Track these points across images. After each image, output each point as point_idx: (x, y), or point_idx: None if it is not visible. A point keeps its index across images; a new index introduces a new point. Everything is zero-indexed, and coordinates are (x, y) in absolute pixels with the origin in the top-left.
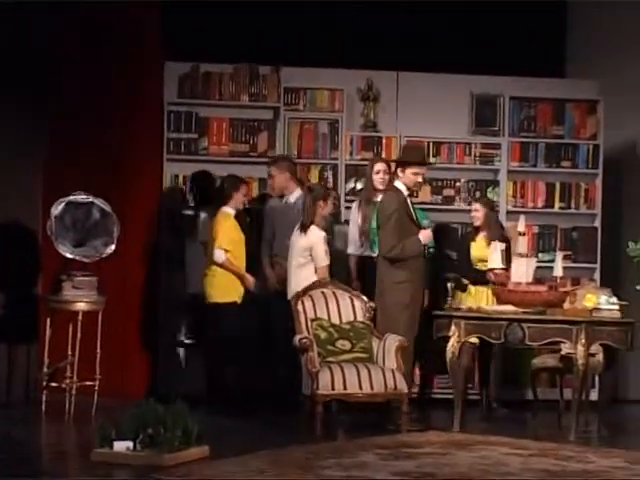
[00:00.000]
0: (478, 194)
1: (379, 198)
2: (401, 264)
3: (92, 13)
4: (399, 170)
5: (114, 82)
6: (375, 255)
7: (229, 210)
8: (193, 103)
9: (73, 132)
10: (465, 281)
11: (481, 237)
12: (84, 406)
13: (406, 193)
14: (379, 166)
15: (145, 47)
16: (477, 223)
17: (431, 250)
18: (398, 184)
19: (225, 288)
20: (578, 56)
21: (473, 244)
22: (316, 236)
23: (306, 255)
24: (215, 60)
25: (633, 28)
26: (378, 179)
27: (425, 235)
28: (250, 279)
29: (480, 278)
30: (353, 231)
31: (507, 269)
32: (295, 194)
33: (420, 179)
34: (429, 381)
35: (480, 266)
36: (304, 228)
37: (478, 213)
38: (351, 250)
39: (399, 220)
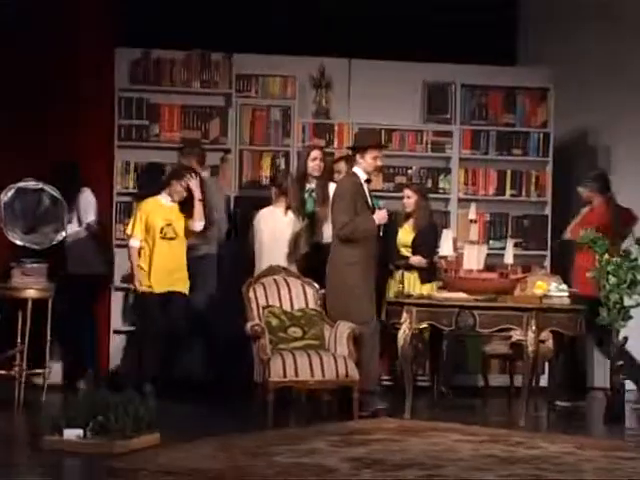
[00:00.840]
0: (430, 182)
1: (313, 185)
2: (354, 245)
3: None
4: (358, 156)
5: (65, 67)
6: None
7: (159, 198)
8: (144, 89)
9: (22, 119)
10: (391, 266)
11: (409, 223)
12: (34, 394)
13: (364, 179)
14: (315, 153)
15: (96, 32)
16: (408, 209)
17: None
18: (357, 170)
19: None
20: (529, 44)
21: (400, 230)
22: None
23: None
24: (167, 46)
25: (584, 16)
26: (314, 166)
27: (380, 215)
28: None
29: (404, 264)
30: None
31: (443, 257)
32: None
33: (380, 162)
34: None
35: (404, 251)
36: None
37: (410, 200)
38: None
39: (352, 200)
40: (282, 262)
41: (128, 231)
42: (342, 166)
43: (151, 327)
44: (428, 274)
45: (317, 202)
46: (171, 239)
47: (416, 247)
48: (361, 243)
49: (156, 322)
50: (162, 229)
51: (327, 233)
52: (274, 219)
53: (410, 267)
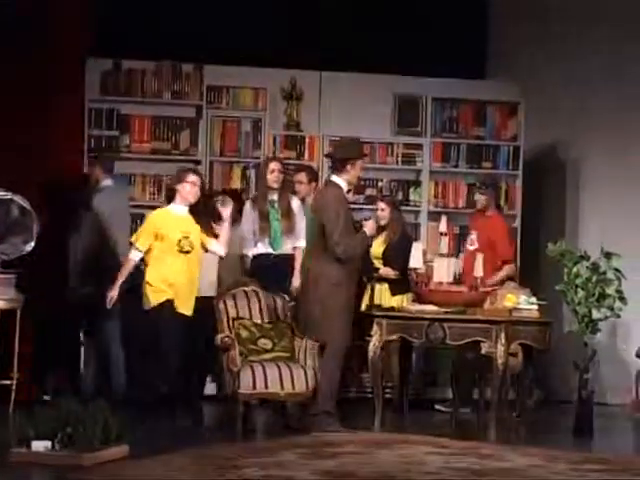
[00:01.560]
0: (400, 194)
1: (274, 197)
2: (342, 264)
3: (11, 6)
4: (348, 166)
5: (33, 78)
6: (274, 252)
7: (170, 209)
8: (115, 100)
9: None
10: (364, 279)
11: (382, 235)
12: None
13: (345, 189)
14: (274, 165)
15: (66, 43)
16: (382, 222)
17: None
18: (337, 180)
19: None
20: (499, 58)
21: (374, 242)
22: None
23: None
24: (138, 57)
25: (553, 31)
26: (273, 178)
27: (370, 226)
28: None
29: (375, 276)
30: (248, 230)
31: (414, 269)
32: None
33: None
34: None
35: (376, 263)
36: None
37: (383, 212)
38: (247, 251)
39: (346, 217)
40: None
41: (133, 240)
42: (303, 177)
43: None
44: (399, 286)
45: (280, 214)
46: (187, 252)
47: (386, 259)
48: (349, 262)
49: (175, 338)
50: (180, 241)
51: (287, 246)
52: None
53: (381, 279)
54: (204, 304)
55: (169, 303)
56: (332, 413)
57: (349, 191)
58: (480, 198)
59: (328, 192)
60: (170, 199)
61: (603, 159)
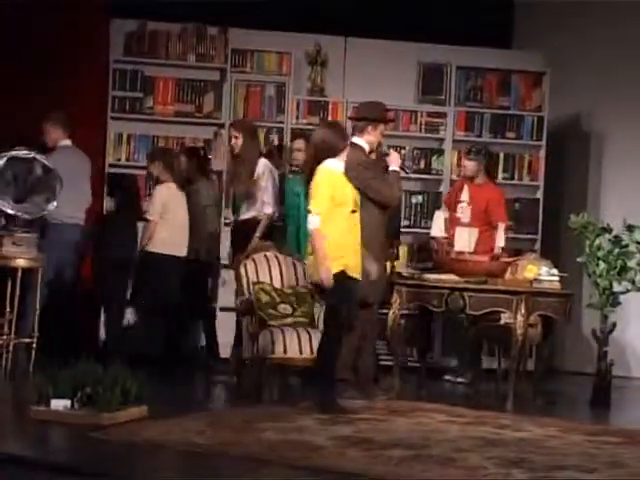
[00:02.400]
0: (423, 162)
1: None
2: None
3: None
4: (370, 127)
5: (59, 37)
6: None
7: (332, 165)
8: (139, 62)
9: (15, 86)
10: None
11: None
12: (23, 363)
13: (367, 151)
14: (231, 132)
15: (92, 3)
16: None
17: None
18: (359, 141)
19: None
20: (525, 28)
21: None
22: None
23: None
24: (163, 19)
25: (579, 2)
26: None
27: (394, 159)
28: None
29: None
30: (272, 192)
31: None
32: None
33: (381, 138)
34: None
35: None
36: None
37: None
38: (268, 210)
39: (375, 171)
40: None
41: (311, 207)
42: (301, 144)
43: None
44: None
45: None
46: (354, 212)
47: None
48: (381, 216)
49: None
50: (355, 202)
51: (247, 212)
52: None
53: None
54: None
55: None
56: (349, 380)
57: (370, 152)
58: (468, 164)
59: (349, 155)
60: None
61: (627, 131)
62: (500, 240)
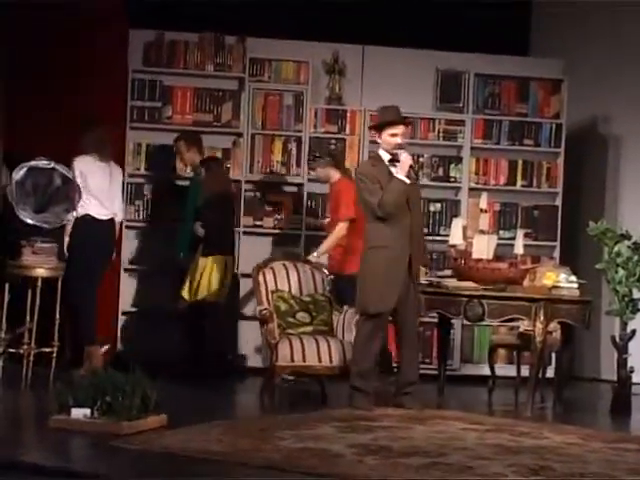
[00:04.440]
0: (441, 170)
1: None
2: (383, 225)
3: None
4: (377, 136)
5: (77, 48)
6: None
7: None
8: (158, 71)
9: (36, 97)
10: None
11: None
12: (42, 373)
13: (387, 159)
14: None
15: (111, 14)
16: None
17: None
18: (380, 152)
19: None
20: (543, 35)
21: None
22: None
23: None
24: (181, 29)
25: (597, 7)
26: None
27: (402, 163)
28: None
29: None
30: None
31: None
32: None
33: (399, 140)
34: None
35: None
36: None
37: None
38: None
39: (373, 182)
40: None
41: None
42: (182, 145)
43: None
44: None
45: None
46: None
47: None
48: (392, 222)
49: None
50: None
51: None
52: None
53: None
54: None
55: None
56: (360, 389)
57: (395, 160)
58: (318, 173)
59: (359, 166)
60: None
61: None
62: (518, 247)
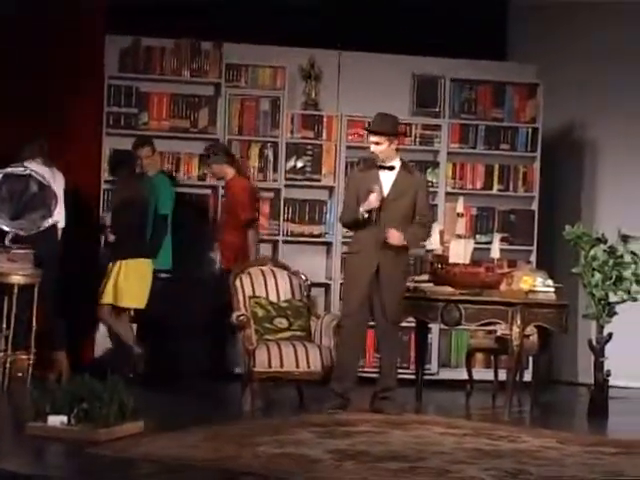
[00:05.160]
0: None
1: None
2: (354, 232)
3: None
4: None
5: (54, 54)
6: None
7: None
8: (134, 77)
9: (9, 101)
10: None
11: None
12: (19, 379)
13: (375, 162)
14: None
15: (86, 19)
16: None
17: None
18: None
19: None
20: (518, 40)
21: None
22: None
23: None
24: (157, 35)
25: (572, 13)
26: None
27: (367, 202)
28: None
29: None
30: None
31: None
32: None
33: (371, 148)
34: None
35: None
36: None
37: None
38: None
39: (352, 191)
40: None
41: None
42: (147, 152)
43: None
44: None
45: None
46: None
47: None
48: (359, 231)
49: None
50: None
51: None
52: None
53: None
54: None
55: None
56: (337, 393)
57: (389, 167)
58: (213, 170)
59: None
60: None
61: (621, 141)
62: (495, 251)
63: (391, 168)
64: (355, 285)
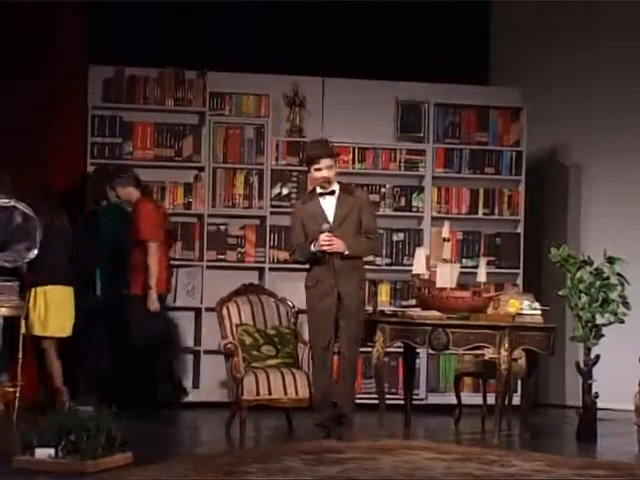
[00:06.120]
0: (403, 200)
1: None
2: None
3: (13, 13)
4: (308, 172)
5: (37, 85)
6: None
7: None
8: (118, 107)
9: None
10: None
11: None
12: (5, 412)
13: (319, 192)
14: None
15: (69, 49)
16: None
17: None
18: (317, 187)
19: None
20: (501, 63)
21: None
22: None
23: None
24: (140, 64)
25: (555, 36)
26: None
27: (318, 243)
28: None
29: None
30: None
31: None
32: None
33: (324, 173)
34: None
35: None
36: None
37: None
38: None
39: (298, 224)
40: None
41: None
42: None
43: None
44: None
45: None
46: None
47: None
48: (313, 266)
49: None
50: None
51: None
52: None
53: None
54: None
55: None
56: (322, 425)
57: (330, 193)
58: (119, 192)
59: (297, 201)
60: None
61: (606, 164)
62: (481, 275)
63: (332, 193)
64: (320, 317)
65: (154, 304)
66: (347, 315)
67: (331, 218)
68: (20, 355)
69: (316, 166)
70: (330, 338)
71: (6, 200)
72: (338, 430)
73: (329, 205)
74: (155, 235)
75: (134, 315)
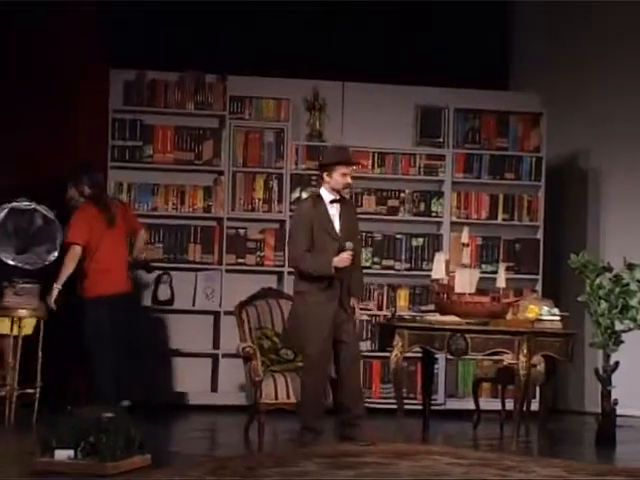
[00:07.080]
0: (423, 205)
1: None
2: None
3: (35, 17)
4: (325, 174)
5: (59, 88)
6: None
7: None
8: (138, 110)
9: (15, 138)
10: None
11: None
12: (25, 414)
13: (329, 199)
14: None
15: (91, 53)
16: None
17: None
18: (322, 190)
19: None
20: (521, 69)
21: None
22: None
23: None
24: (161, 68)
25: (575, 42)
26: None
27: (342, 259)
28: None
29: None
30: None
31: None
32: None
33: (349, 180)
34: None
35: None
36: None
37: None
38: None
39: (305, 228)
40: None
41: None
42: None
43: None
44: None
45: None
46: None
47: None
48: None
49: None
50: None
51: None
52: None
53: None
54: None
55: None
56: (311, 429)
57: (337, 200)
58: (69, 194)
59: (301, 204)
60: None
61: (625, 169)
62: (500, 281)
63: (338, 200)
64: (320, 322)
65: (51, 301)
66: (348, 317)
67: (337, 226)
68: (40, 358)
69: (343, 170)
70: (328, 342)
71: (27, 203)
72: (352, 432)
73: (334, 213)
74: (77, 238)
75: (78, 317)
